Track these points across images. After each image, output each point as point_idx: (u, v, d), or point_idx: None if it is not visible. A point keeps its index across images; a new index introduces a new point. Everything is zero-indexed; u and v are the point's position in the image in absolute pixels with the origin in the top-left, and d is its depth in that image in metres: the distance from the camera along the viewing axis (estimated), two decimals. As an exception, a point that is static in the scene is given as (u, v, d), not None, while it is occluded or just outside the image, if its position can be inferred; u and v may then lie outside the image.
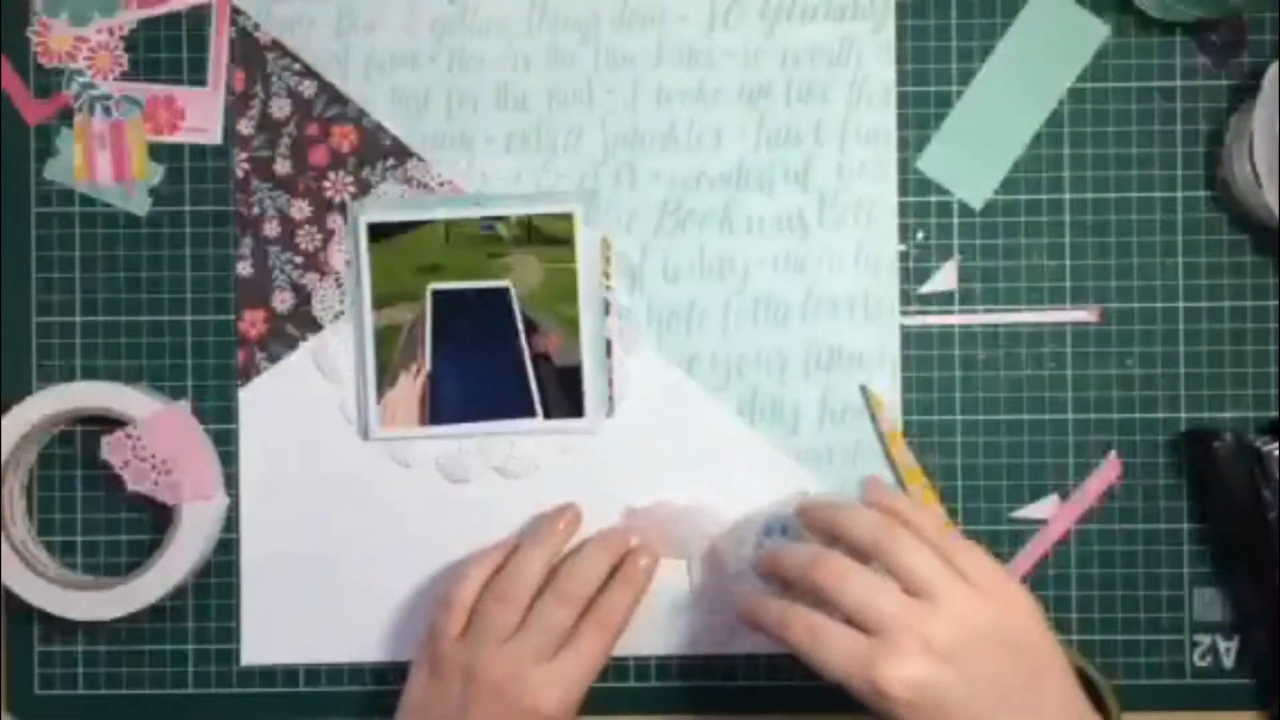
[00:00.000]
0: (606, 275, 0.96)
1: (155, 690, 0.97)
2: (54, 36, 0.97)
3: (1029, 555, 0.96)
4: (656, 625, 0.96)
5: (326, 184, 0.96)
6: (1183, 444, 0.96)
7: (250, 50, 0.97)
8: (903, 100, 0.96)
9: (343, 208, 0.96)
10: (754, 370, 0.96)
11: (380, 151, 0.96)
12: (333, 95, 0.96)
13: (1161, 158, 0.96)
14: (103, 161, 0.97)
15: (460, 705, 0.88)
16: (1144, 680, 0.96)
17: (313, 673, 0.96)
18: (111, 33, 0.97)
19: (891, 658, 0.78)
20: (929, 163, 0.96)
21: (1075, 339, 0.96)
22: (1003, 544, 0.96)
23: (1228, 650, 0.96)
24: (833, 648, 0.80)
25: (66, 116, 0.97)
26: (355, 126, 0.96)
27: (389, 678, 0.96)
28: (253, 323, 0.96)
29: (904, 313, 0.96)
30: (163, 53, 0.97)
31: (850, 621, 0.80)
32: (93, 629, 0.96)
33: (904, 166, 0.96)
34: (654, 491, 0.95)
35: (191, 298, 0.97)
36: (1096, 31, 0.96)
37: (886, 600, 0.79)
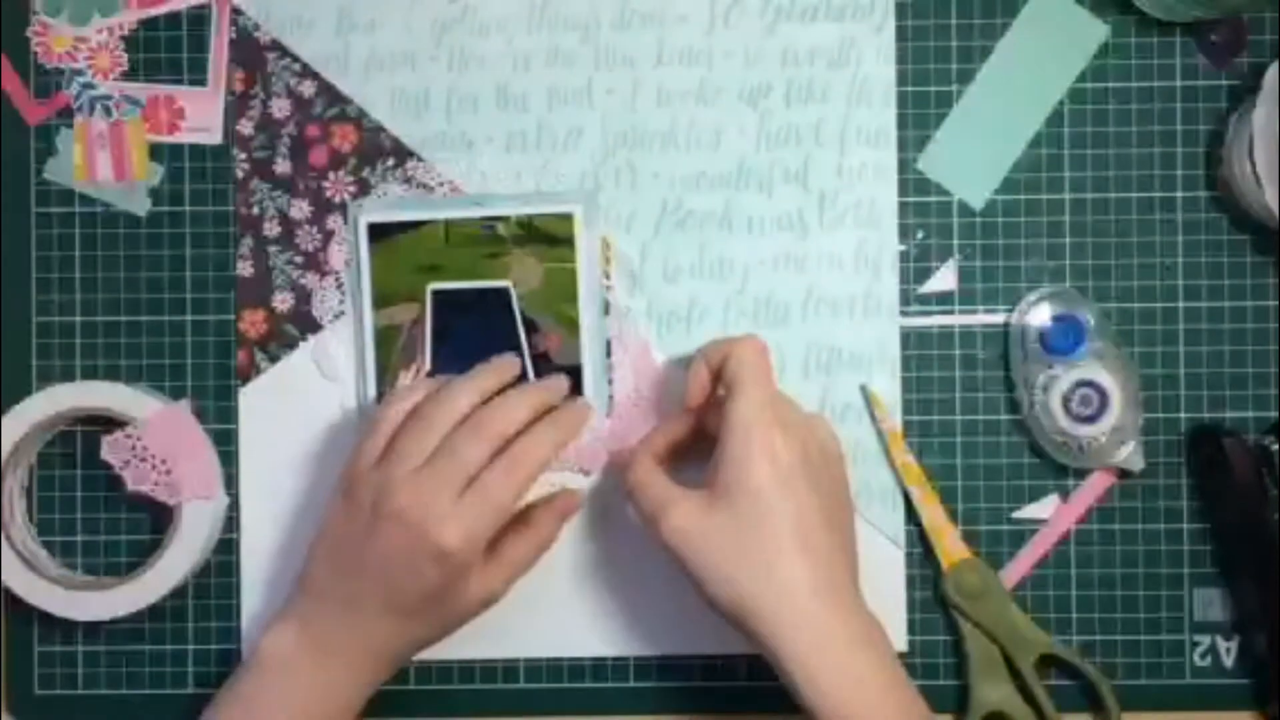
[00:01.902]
0: (606, 275, 0.96)
1: (155, 690, 0.97)
2: (54, 36, 0.97)
3: (1029, 555, 0.96)
4: (656, 625, 0.96)
5: (326, 184, 0.96)
6: (1189, 442, 0.96)
7: (250, 50, 0.97)
8: (903, 100, 0.96)
9: (343, 208, 0.96)
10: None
11: (380, 151, 0.96)
12: (333, 95, 0.96)
13: (1161, 158, 0.96)
14: (103, 161, 0.97)
15: (367, 530, 0.86)
16: (1144, 680, 0.96)
17: (313, 673, 0.96)
18: (111, 33, 0.97)
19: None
20: (929, 163, 0.96)
21: (1075, 339, 0.96)
22: (1003, 544, 0.96)
23: (1228, 650, 0.96)
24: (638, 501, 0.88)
25: (66, 116, 0.97)
26: (355, 126, 0.96)
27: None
28: (253, 323, 0.96)
29: (904, 313, 0.96)
30: (163, 53, 0.97)
31: None
32: (93, 629, 0.96)
33: (904, 166, 0.96)
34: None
35: (191, 298, 0.97)
36: (1096, 31, 0.96)
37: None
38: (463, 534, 0.84)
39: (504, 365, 0.93)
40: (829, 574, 0.83)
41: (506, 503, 0.86)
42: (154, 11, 0.97)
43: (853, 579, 0.86)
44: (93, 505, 0.97)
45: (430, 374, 0.95)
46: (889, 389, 0.96)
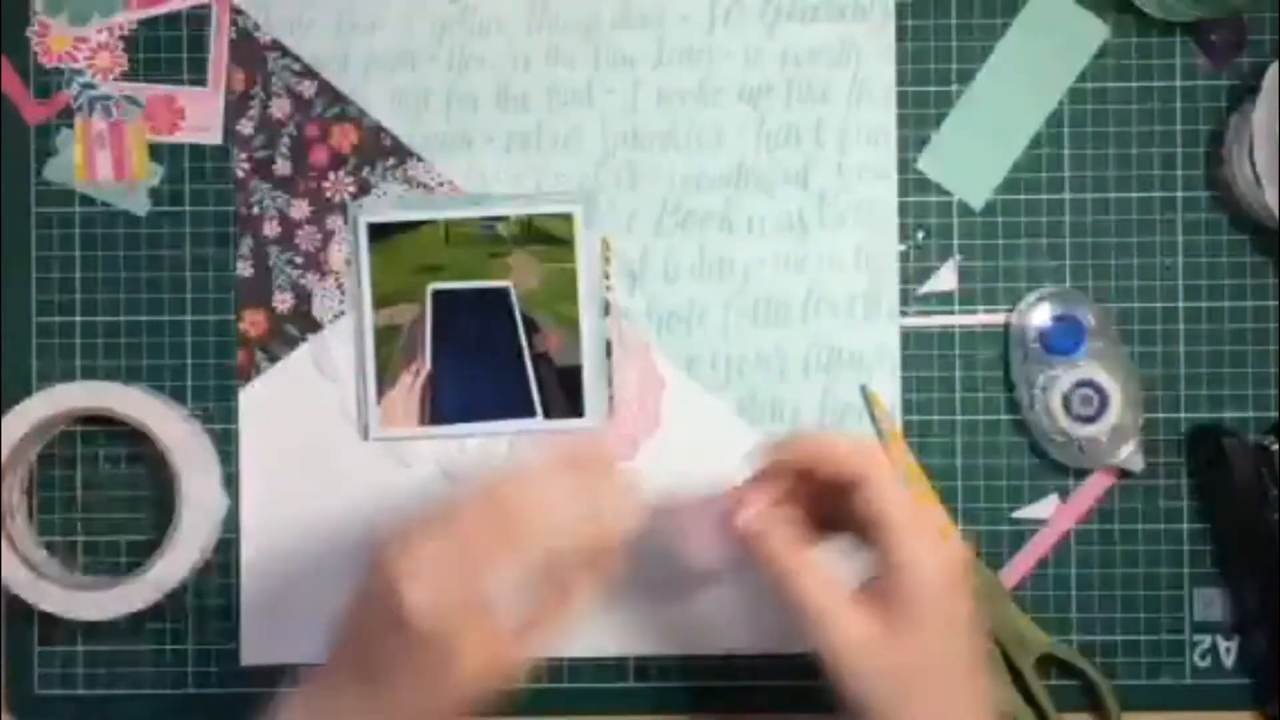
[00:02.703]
0: (606, 275, 0.96)
1: (155, 690, 0.97)
2: (54, 36, 0.97)
3: (1029, 555, 0.96)
4: (657, 625, 0.96)
5: (326, 184, 0.96)
6: (1189, 442, 0.96)
7: (250, 50, 0.97)
8: (903, 100, 0.96)
9: (343, 208, 0.96)
10: (754, 370, 0.96)
11: (380, 151, 0.96)
12: (333, 95, 0.96)
13: (1161, 158, 0.96)
14: (103, 161, 0.97)
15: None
16: (1144, 680, 0.96)
17: (313, 672, 0.96)
18: (111, 33, 0.97)
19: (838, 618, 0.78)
20: (929, 163, 0.96)
21: (1075, 339, 0.96)
22: (1003, 544, 0.96)
23: (1228, 650, 0.96)
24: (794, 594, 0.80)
25: (66, 116, 0.97)
26: (355, 126, 0.96)
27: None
28: (253, 323, 0.96)
29: (904, 313, 0.96)
30: (163, 53, 0.97)
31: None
32: (93, 629, 0.96)
33: (904, 166, 0.96)
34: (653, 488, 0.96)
35: (191, 298, 0.97)
36: (1096, 31, 0.96)
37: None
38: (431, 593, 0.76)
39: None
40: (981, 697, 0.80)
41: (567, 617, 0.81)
42: (154, 11, 0.97)
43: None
44: (93, 505, 0.97)
45: (430, 374, 0.95)
46: (889, 389, 0.96)
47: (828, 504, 0.82)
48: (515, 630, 0.80)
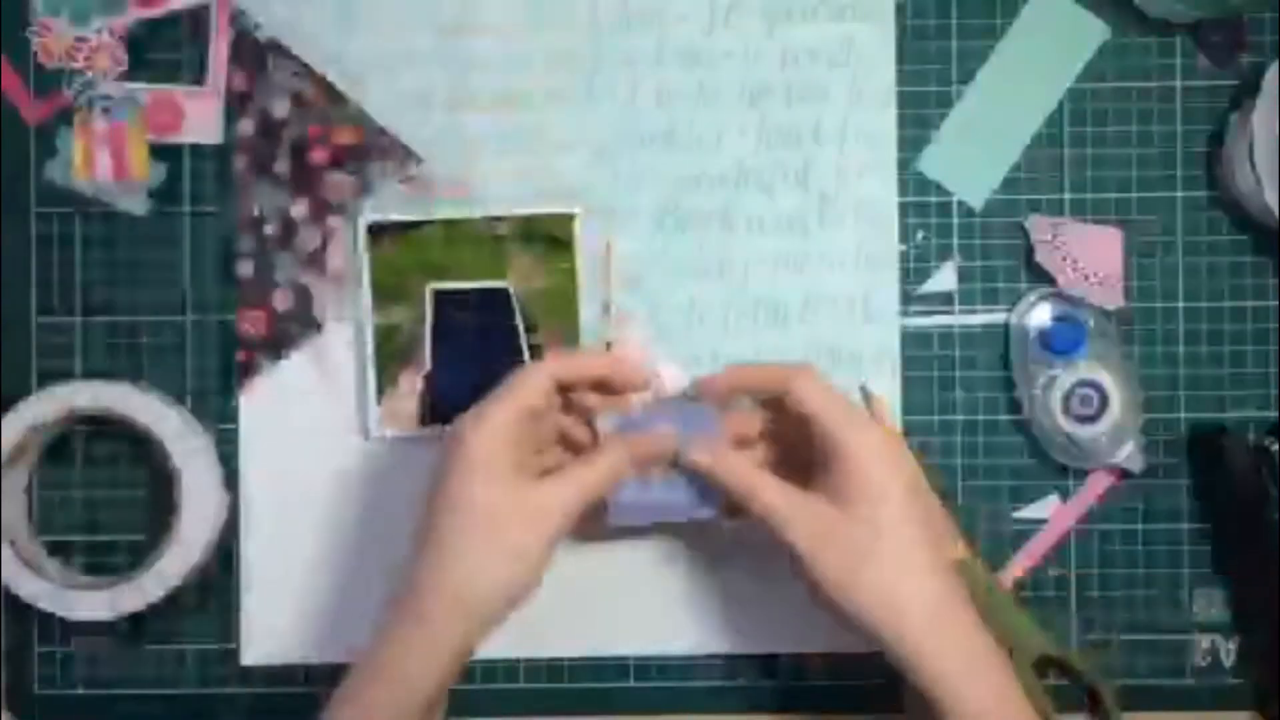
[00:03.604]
0: (606, 275, 0.96)
1: (155, 690, 0.97)
2: (54, 36, 0.97)
3: (1029, 555, 0.96)
4: (656, 625, 0.96)
5: (326, 184, 0.96)
6: (1190, 442, 0.96)
7: (250, 50, 0.97)
8: (903, 100, 0.96)
9: (343, 208, 0.96)
10: (754, 370, 0.96)
11: (380, 151, 0.96)
12: (332, 95, 0.96)
13: (1161, 158, 0.96)
14: (103, 161, 0.97)
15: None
16: (1144, 680, 0.96)
17: (313, 673, 0.96)
18: (111, 33, 0.97)
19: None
20: (929, 163, 0.96)
21: (1075, 339, 0.96)
22: (1003, 544, 0.96)
23: (1228, 650, 0.96)
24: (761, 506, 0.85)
25: (66, 116, 0.97)
26: (355, 127, 0.96)
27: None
28: (253, 323, 0.96)
29: (904, 313, 0.96)
30: (163, 53, 0.97)
31: None
32: (93, 629, 0.96)
33: (904, 166, 0.96)
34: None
35: (191, 298, 0.97)
36: (1096, 31, 0.96)
37: None
38: (471, 418, 0.84)
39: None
40: (944, 562, 0.85)
41: (511, 391, 0.85)
42: (154, 11, 0.97)
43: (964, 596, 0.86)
44: (93, 505, 0.97)
45: (430, 374, 0.95)
46: (889, 389, 0.96)
47: (787, 446, 0.90)
48: (558, 494, 0.85)
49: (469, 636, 0.85)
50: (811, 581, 0.83)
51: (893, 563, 0.83)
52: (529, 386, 0.85)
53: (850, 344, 0.96)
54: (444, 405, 0.95)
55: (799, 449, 0.88)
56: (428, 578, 0.83)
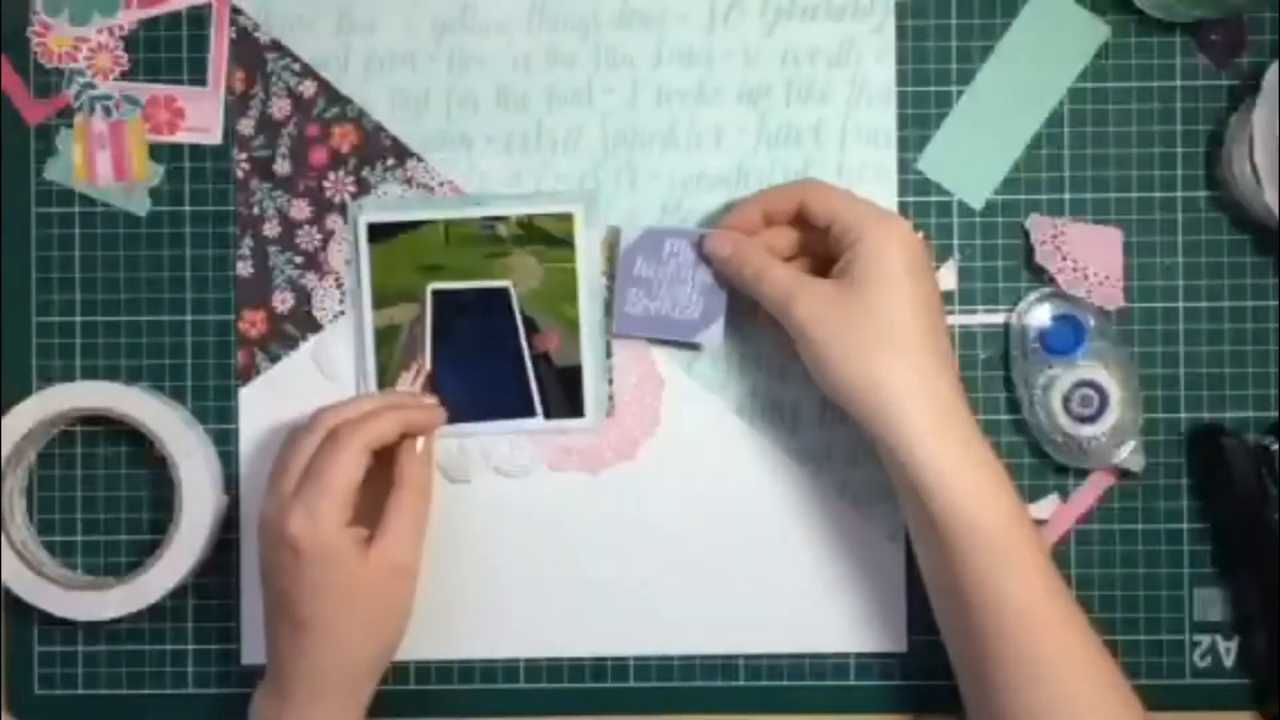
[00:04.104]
0: (606, 275, 0.96)
1: (155, 690, 0.97)
2: (54, 36, 0.97)
3: (1029, 555, 0.96)
4: (656, 625, 0.96)
5: (326, 184, 0.96)
6: (1190, 442, 0.96)
7: (250, 50, 0.97)
8: (903, 100, 0.96)
9: (342, 208, 0.96)
10: (754, 370, 0.96)
11: (380, 151, 0.96)
12: (332, 95, 0.96)
13: (1161, 158, 0.96)
14: (103, 161, 0.97)
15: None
16: (1144, 680, 0.96)
17: (313, 673, 0.96)
18: (111, 33, 0.97)
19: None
20: (929, 163, 0.96)
21: (1075, 339, 0.96)
22: (1003, 544, 0.96)
23: (1228, 650, 0.96)
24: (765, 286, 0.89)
25: (66, 116, 0.97)
26: (355, 126, 0.96)
27: (388, 676, 0.96)
28: (253, 323, 0.96)
29: (904, 313, 0.96)
30: (163, 53, 0.97)
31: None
32: (93, 629, 0.96)
33: (904, 166, 0.96)
34: (652, 491, 0.96)
35: (191, 298, 0.97)
36: (1096, 31, 0.96)
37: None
38: (302, 516, 0.85)
39: (369, 398, 0.94)
40: (947, 359, 0.87)
41: (336, 479, 0.86)
42: (154, 11, 0.97)
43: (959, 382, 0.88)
44: (93, 505, 0.97)
45: (430, 374, 0.95)
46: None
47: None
48: (391, 530, 0.88)
49: (367, 693, 0.90)
50: (811, 357, 0.87)
51: (888, 340, 0.85)
52: (347, 470, 0.86)
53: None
54: (444, 405, 0.95)
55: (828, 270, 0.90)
56: (308, 663, 0.87)
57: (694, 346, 0.95)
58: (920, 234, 0.94)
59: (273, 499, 0.87)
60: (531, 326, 0.95)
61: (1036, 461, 0.96)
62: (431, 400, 0.94)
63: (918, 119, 0.96)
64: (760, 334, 0.95)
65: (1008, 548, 0.83)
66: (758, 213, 0.92)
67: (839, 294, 0.86)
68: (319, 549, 0.85)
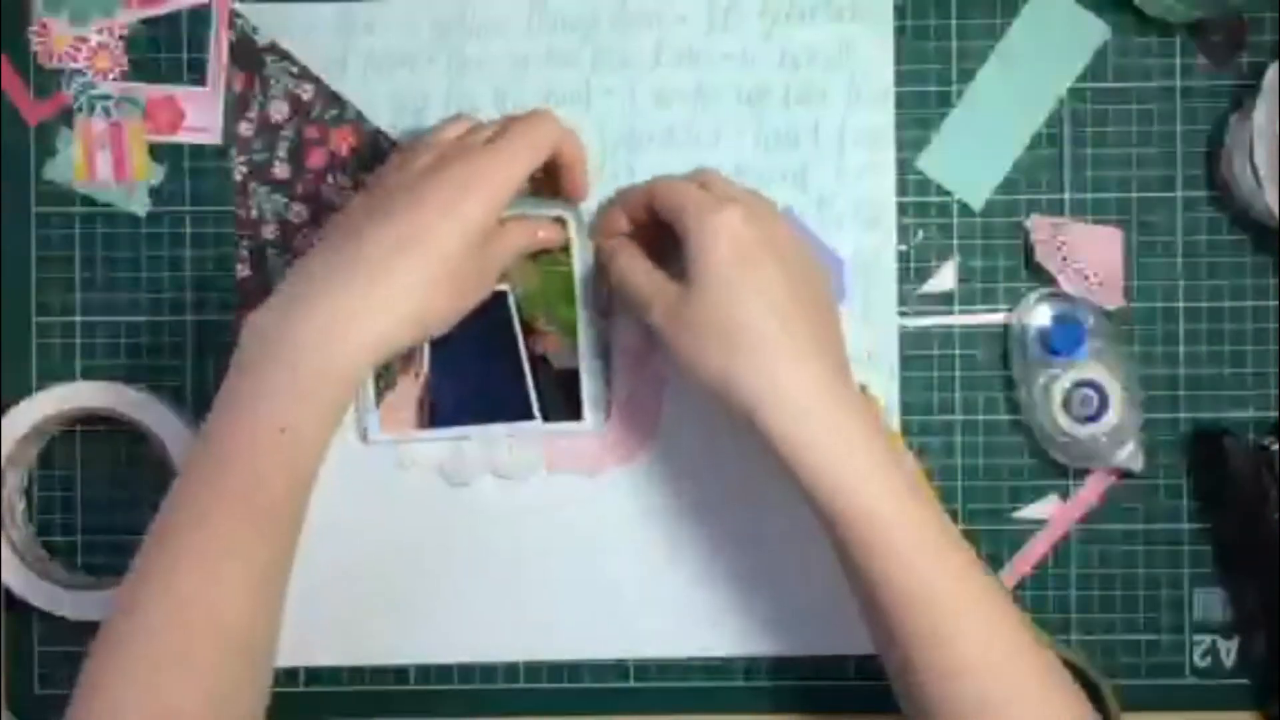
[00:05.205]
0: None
1: (155, 690, 0.97)
2: (54, 36, 0.97)
3: (1029, 555, 0.96)
4: (656, 626, 0.96)
5: (325, 186, 0.96)
6: (1190, 442, 0.96)
7: (248, 53, 0.97)
8: (902, 100, 0.96)
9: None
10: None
11: (379, 154, 0.96)
12: (331, 97, 0.96)
13: (1161, 158, 0.96)
14: (103, 161, 0.97)
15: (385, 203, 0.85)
16: (1144, 680, 0.96)
17: (313, 673, 0.97)
18: (111, 33, 0.97)
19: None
20: (929, 163, 0.96)
21: (1075, 339, 0.96)
22: (1003, 544, 0.96)
23: (1228, 650, 0.96)
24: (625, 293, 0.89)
25: (66, 116, 0.97)
26: (354, 129, 0.96)
27: (389, 678, 0.96)
28: (251, 324, 0.96)
29: (903, 313, 0.96)
30: (163, 53, 0.97)
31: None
32: (93, 629, 0.96)
33: (904, 166, 0.96)
34: (651, 493, 0.96)
35: (191, 298, 0.97)
36: (1096, 31, 0.95)
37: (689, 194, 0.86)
38: (484, 185, 0.84)
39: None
40: (810, 345, 0.82)
41: (532, 150, 0.86)
42: (154, 11, 0.97)
43: (839, 362, 0.85)
44: (93, 505, 0.97)
45: (428, 377, 0.95)
46: (887, 389, 0.95)
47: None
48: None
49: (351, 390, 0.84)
50: (673, 363, 0.85)
51: (730, 341, 0.82)
52: (547, 140, 0.87)
53: (849, 344, 0.95)
54: (442, 408, 0.95)
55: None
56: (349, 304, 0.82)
57: None
58: (766, 217, 0.86)
59: (450, 148, 0.86)
60: (529, 329, 0.95)
61: (1036, 461, 0.96)
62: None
63: (917, 119, 0.96)
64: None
65: (888, 534, 0.79)
66: (620, 216, 0.91)
67: (683, 296, 0.83)
68: (485, 202, 0.84)
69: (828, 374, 0.82)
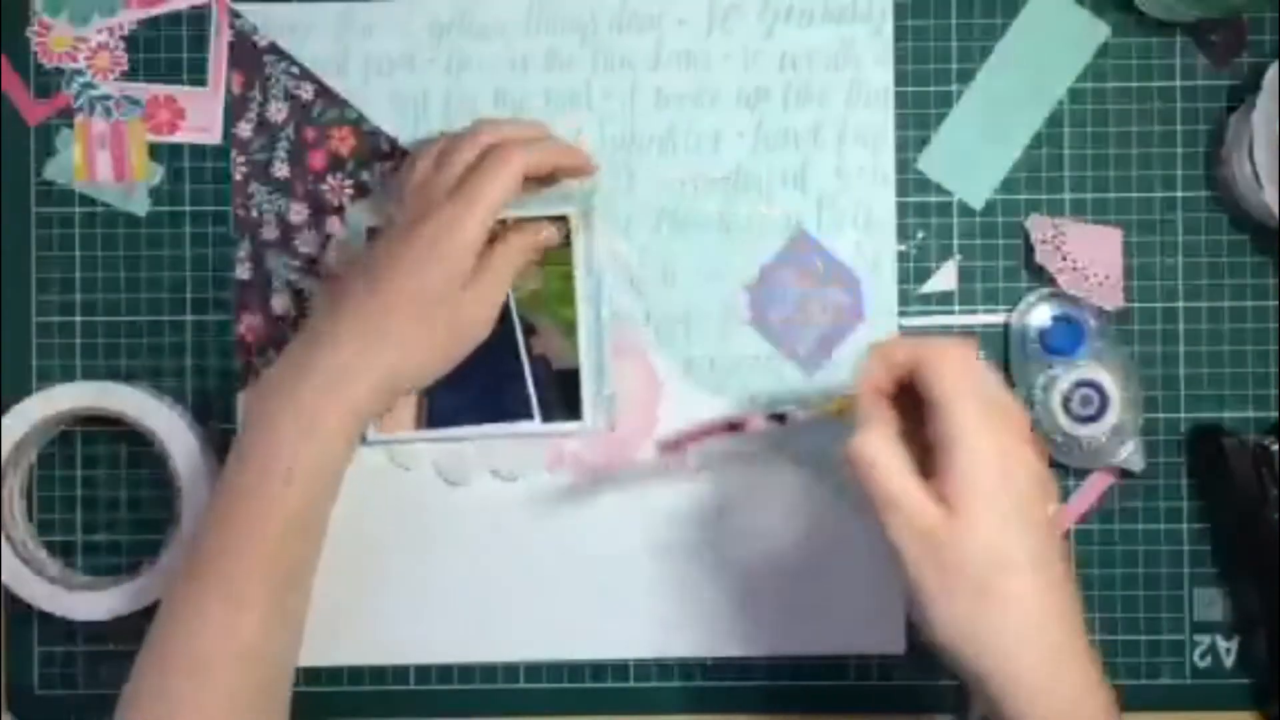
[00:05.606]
0: (604, 278, 0.96)
1: (156, 690, 0.97)
2: (54, 36, 0.97)
3: (1029, 555, 0.96)
4: (655, 626, 0.96)
5: (325, 187, 0.96)
6: (1190, 442, 0.96)
7: (248, 53, 0.97)
8: (902, 101, 0.96)
9: (341, 211, 0.96)
10: (752, 373, 0.96)
11: (379, 154, 0.96)
12: (331, 98, 0.96)
13: (1161, 158, 0.96)
14: (103, 161, 0.97)
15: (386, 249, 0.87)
16: (1144, 680, 0.96)
17: (312, 673, 0.96)
18: (111, 33, 0.97)
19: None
20: (929, 163, 0.96)
21: (1075, 339, 0.96)
22: (1002, 544, 0.96)
23: (1228, 650, 0.96)
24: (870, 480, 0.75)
25: (66, 116, 0.97)
26: (353, 129, 0.96)
27: (388, 678, 0.96)
28: (251, 326, 0.96)
29: (904, 313, 0.96)
30: (163, 53, 0.97)
31: None
32: (93, 629, 0.96)
33: (904, 166, 0.96)
34: (651, 493, 0.96)
35: (191, 298, 0.97)
36: (1096, 31, 0.95)
37: None
38: (446, 226, 0.85)
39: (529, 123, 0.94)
40: (1056, 597, 0.74)
41: (491, 194, 0.86)
42: (154, 11, 0.97)
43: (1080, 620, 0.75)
44: (93, 505, 0.97)
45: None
46: (887, 390, 0.95)
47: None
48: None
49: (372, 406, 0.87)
50: (904, 590, 0.75)
51: (997, 595, 0.72)
52: (504, 187, 0.87)
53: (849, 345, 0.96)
54: (440, 410, 0.95)
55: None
56: (362, 361, 0.85)
57: None
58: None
59: (418, 202, 0.87)
60: (529, 329, 0.95)
61: (1036, 462, 0.96)
62: (584, 148, 0.95)
63: (917, 120, 0.96)
64: (760, 337, 0.95)
65: None
66: (884, 372, 0.78)
67: (945, 525, 0.73)
68: (465, 260, 0.86)
69: (1066, 634, 0.74)
